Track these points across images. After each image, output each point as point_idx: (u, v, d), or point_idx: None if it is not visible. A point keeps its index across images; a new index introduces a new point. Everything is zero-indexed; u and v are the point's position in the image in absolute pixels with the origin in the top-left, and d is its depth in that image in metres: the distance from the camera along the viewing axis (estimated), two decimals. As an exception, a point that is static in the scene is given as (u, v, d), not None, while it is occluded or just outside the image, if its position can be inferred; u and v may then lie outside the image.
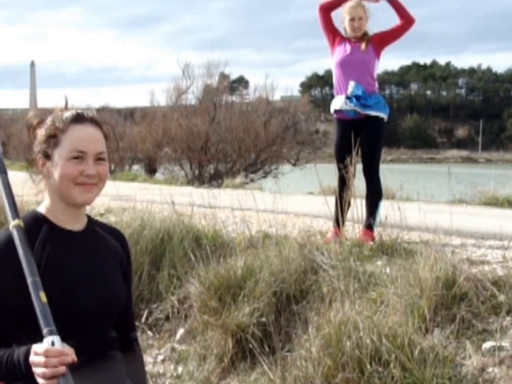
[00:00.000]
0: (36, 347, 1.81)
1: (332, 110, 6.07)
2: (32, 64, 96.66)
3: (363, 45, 5.89)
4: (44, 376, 1.77)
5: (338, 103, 5.94)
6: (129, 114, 36.35)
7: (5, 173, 2.09)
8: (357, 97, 5.79)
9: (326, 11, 6.04)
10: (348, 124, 5.91)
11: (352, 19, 5.93)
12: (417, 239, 5.54)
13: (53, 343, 1.80)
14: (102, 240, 2.28)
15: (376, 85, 6.05)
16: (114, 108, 39.22)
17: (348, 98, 5.83)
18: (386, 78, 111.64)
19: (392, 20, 5.98)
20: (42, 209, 2.18)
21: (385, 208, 5.51)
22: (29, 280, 1.88)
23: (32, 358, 1.81)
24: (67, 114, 2.16)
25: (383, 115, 5.90)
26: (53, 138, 2.11)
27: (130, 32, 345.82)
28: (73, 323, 2.04)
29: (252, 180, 23.10)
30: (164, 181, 19.41)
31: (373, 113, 5.83)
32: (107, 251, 2.28)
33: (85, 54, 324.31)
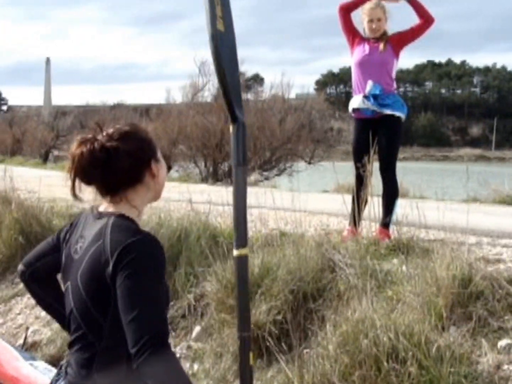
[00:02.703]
0: None
1: (350, 109, 6.10)
2: (48, 61, 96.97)
3: (381, 46, 5.91)
4: None
5: (356, 102, 5.98)
6: (145, 111, 36.49)
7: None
8: (375, 96, 5.82)
9: (346, 12, 6.06)
10: (366, 123, 5.94)
11: (370, 20, 5.96)
12: (432, 237, 5.56)
13: None
14: None
15: (395, 85, 6.06)
16: (129, 105, 39.37)
17: (365, 97, 5.87)
18: (401, 76, 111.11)
19: (411, 19, 5.99)
20: (128, 214, 2.29)
21: (400, 206, 5.53)
22: (244, 334, 1.93)
23: None
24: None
25: (401, 115, 5.91)
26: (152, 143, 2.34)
27: (147, 30, 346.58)
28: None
29: (266, 178, 23.10)
30: (179, 179, 19.48)
31: (390, 112, 5.85)
32: None
33: (102, 51, 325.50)
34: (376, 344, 3.58)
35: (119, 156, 2.22)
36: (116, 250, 2.11)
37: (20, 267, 2.60)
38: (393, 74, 6.03)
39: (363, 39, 6.06)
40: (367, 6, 5.99)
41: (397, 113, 5.89)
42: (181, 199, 7.36)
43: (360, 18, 6.09)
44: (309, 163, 25.15)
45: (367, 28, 6.02)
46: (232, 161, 1.89)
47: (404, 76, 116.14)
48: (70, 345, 2.30)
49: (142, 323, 2.03)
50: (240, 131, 1.88)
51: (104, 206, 2.34)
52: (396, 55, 5.98)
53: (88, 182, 2.26)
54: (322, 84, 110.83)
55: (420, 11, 5.90)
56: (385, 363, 3.51)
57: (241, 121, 1.88)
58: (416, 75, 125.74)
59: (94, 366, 2.14)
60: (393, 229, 5.63)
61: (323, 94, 38.66)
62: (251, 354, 1.95)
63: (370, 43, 6.00)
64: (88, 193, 2.33)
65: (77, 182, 2.25)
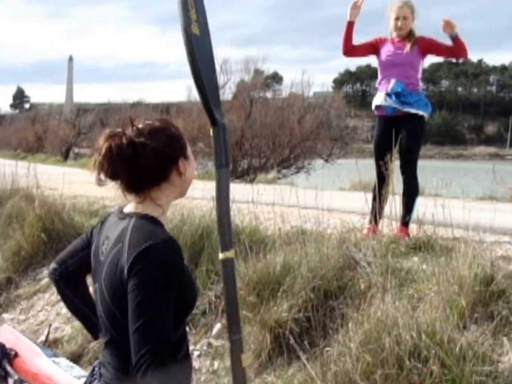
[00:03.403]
0: None
1: (373, 106, 6.11)
2: (70, 59, 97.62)
3: (408, 47, 5.90)
4: None
5: (378, 99, 6.00)
6: (165, 109, 36.59)
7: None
8: (397, 94, 5.82)
9: (350, 50, 6.07)
10: (388, 121, 5.94)
11: (397, 18, 5.94)
12: (451, 236, 5.54)
13: None
14: None
15: (420, 84, 6.03)
16: (149, 103, 39.53)
17: (388, 94, 5.88)
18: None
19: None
20: (152, 214, 2.27)
21: (420, 204, 5.53)
22: (235, 337, 1.96)
23: None
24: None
25: (424, 113, 5.89)
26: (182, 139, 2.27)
27: (168, 28, 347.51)
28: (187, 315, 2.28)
29: (284, 176, 23.14)
30: (198, 176, 19.54)
31: (412, 110, 5.84)
32: None
33: (123, 50, 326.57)
34: (398, 343, 3.58)
35: (146, 152, 2.18)
36: (131, 256, 2.09)
37: (52, 265, 2.58)
38: (419, 73, 5.99)
39: (386, 39, 6.06)
40: (395, 3, 5.97)
41: (420, 112, 5.87)
42: (203, 197, 7.38)
43: (387, 16, 6.07)
44: (327, 161, 25.13)
45: (393, 26, 5.99)
46: (214, 163, 1.91)
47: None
48: (104, 345, 2.31)
49: (143, 335, 2.01)
50: (220, 133, 1.90)
51: (129, 205, 2.32)
52: (423, 57, 5.97)
53: (112, 177, 2.21)
54: (339, 82, 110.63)
55: (460, 48, 5.84)
56: (407, 362, 3.51)
57: (221, 123, 1.90)
58: (432, 74, 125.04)
59: (130, 369, 2.09)
60: (412, 228, 5.64)
61: (341, 92, 38.50)
62: (242, 356, 1.97)
63: (395, 42, 6.00)
64: (115, 189, 2.31)
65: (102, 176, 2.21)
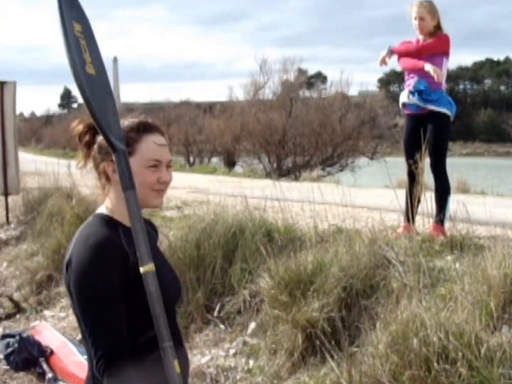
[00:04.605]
0: None
1: (400, 104, 6.13)
2: (115, 60, 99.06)
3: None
4: None
5: (403, 97, 6.03)
6: (208, 108, 36.86)
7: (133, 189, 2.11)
8: (420, 92, 5.82)
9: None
10: (416, 119, 5.93)
11: (415, 18, 5.94)
12: (487, 234, 5.44)
13: None
14: (150, 234, 2.39)
15: (444, 82, 5.95)
16: (193, 102, 39.84)
17: (411, 92, 5.89)
18: (460, 74, 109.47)
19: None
20: (105, 211, 2.27)
21: (455, 202, 5.43)
22: (165, 345, 1.98)
23: None
24: (135, 123, 2.26)
25: (447, 111, 5.85)
26: (127, 147, 2.18)
27: (211, 29, 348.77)
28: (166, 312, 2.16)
29: (329, 174, 23.08)
30: (243, 174, 19.61)
31: (435, 108, 5.82)
32: (156, 243, 2.45)
33: (167, 50, 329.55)
34: (426, 344, 3.51)
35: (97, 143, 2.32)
36: (66, 260, 2.16)
37: None
38: (442, 71, 5.90)
39: (410, 41, 6.08)
40: (413, 3, 5.95)
41: (442, 110, 5.84)
42: (237, 195, 7.38)
43: (408, 15, 6.04)
44: (372, 158, 24.97)
45: (413, 25, 5.98)
46: (121, 186, 2.00)
47: (463, 74, 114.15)
48: None
49: (93, 340, 2.06)
50: (121, 158, 1.99)
51: None
52: (446, 54, 5.92)
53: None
54: (385, 82, 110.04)
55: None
56: (435, 364, 3.44)
57: (121, 149, 1.98)
58: (475, 73, 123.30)
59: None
60: (447, 226, 5.55)
61: (384, 90, 38.32)
62: (175, 362, 1.98)
63: (419, 42, 5.99)
64: None
65: None
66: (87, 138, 2.28)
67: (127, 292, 2.11)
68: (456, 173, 11.53)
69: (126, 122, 2.25)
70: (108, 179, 2.25)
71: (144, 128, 2.24)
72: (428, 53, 5.85)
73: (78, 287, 2.08)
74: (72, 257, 2.11)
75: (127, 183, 2.01)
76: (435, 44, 5.87)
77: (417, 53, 5.88)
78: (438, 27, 5.93)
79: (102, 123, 2.00)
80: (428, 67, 5.73)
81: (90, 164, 2.33)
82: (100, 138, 2.24)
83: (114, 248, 2.12)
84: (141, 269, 1.99)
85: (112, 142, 2.01)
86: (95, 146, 2.26)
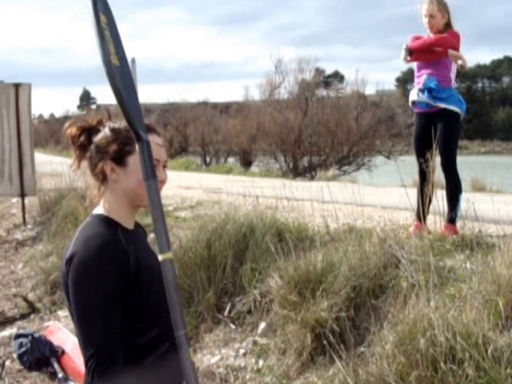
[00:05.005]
0: None
1: (410, 102, 6.07)
2: (133, 61, 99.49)
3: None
4: None
5: (412, 95, 5.97)
6: (225, 108, 36.94)
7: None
8: (429, 90, 5.77)
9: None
10: (426, 118, 5.88)
11: (425, 16, 5.90)
12: (500, 233, 5.38)
13: None
14: (142, 234, 2.44)
15: (453, 80, 5.91)
16: (209, 102, 39.94)
17: (421, 90, 5.84)
18: (479, 72, 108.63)
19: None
20: (103, 212, 2.29)
21: (468, 201, 5.38)
22: (180, 333, 1.97)
23: None
24: None
25: (457, 109, 5.79)
26: (126, 146, 2.23)
27: (228, 29, 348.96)
28: (160, 312, 2.19)
29: (345, 173, 23.01)
30: (259, 174, 19.60)
31: (445, 106, 5.76)
32: (147, 243, 2.44)
33: (184, 51, 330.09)
34: (433, 344, 3.47)
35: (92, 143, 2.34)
36: (66, 259, 2.16)
37: None
38: (452, 69, 5.89)
39: (421, 37, 6.01)
40: (424, 0, 5.90)
41: (452, 107, 5.78)
42: (249, 194, 7.37)
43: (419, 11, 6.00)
44: (388, 157, 24.86)
45: (423, 23, 5.95)
46: (143, 175, 2.02)
47: (481, 72, 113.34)
48: None
49: (86, 341, 2.07)
50: (145, 148, 2.01)
51: None
52: (456, 51, 5.84)
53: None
54: (402, 81, 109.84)
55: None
56: (442, 364, 3.40)
57: (145, 139, 2.01)
58: (493, 71, 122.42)
59: None
60: (459, 225, 5.50)
61: (401, 89, 38.19)
62: (190, 350, 1.99)
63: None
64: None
65: None
66: (82, 139, 2.29)
67: (126, 293, 2.12)
68: (470, 171, 11.46)
69: (123, 123, 2.27)
70: (104, 179, 2.27)
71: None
72: (447, 46, 5.78)
73: (78, 286, 2.09)
74: (73, 257, 2.11)
75: (149, 173, 2.03)
76: (451, 38, 5.81)
77: (434, 45, 5.81)
78: (448, 24, 5.88)
79: (130, 113, 2.00)
80: (452, 52, 5.70)
81: (83, 165, 2.34)
82: (97, 139, 2.27)
83: (116, 249, 2.13)
84: (160, 257, 2.00)
85: (137, 131, 2.02)
86: (92, 147, 2.28)
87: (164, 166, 2.31)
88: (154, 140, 2.25)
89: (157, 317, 2.23)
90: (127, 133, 2.22)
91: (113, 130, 2.27)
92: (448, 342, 3.44)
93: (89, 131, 2.28)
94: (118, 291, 2.10)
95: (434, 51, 5.80)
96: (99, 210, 2.29)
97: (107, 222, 2.22)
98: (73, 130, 2.31)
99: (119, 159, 2.24)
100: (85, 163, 2.34)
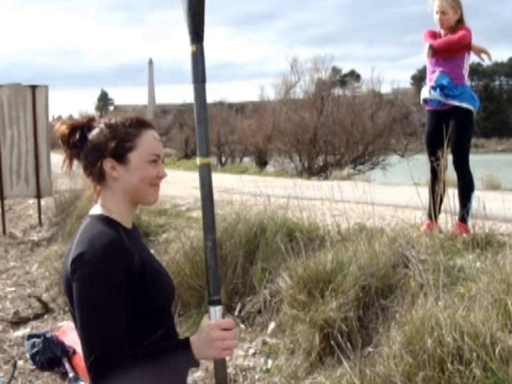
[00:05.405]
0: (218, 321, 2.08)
1: (421, 100, 6.01)
2: (150, 62, 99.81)
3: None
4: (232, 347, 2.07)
5: (424, 92, 5.91)
6: (240, 108, 36.97)
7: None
8: (442, 87, 5.70)
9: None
10: (437, 115, 5.82)
11: (436, 12, 5.83)
12: (511, 231, 5.34)
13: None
14: (139, 235, 2.40)
15: (466, 77, 5.85)
16: (224, 102, 39.99)
17: (433, 87, 5.77)
18: (496, 69, 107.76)
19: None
20: (102, 211, 2.24)
21: (481, 199, 5.33)
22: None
23: (217, 334, 2.04)
24: (133, 119, 2.26)
25: (469, 107, 5.73)
26: (127, 142, 2.18)
27: (244, 29, 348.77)
28: (164, 311, 2.23)
29: (360, 172, 22.93)
30: (274, 174, 19.57)
31: (457, 103, 5.70)
32: (144, 243, 2.41)
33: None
34: (440, 344, 3.44)
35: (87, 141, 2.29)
36: (71, 259, 2.10)
37: None
38: (464, 67, 5.83)
39: (435, 33, 5.95)
40: None
41: (464, 105, 5.71)
42: (261, 194, 7.35)
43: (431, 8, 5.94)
44: (403, 156, 24.73)
45: (434, 19, 5.89)
46: (192, 80, 2.11)
47: (499, 69, 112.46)
48: None
49: (87, 343, 2.01)
50: (203, 51, 2.11)
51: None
52: (468, 49, 5.81)
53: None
54: (418, 79, 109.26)
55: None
56: (449, 365, 3.36)
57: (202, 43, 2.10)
58: (511, 68, 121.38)
59: None
60: (471, 223, 5.45)
61: (416, 87, 37.99)
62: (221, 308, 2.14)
63: (441, 36, 5.88)
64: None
65: None
66: (75, 137, 2.23)
67: (132, 292, 2.09)
68: (485, 169, 11.35)
69: (119, 118, 2.24)
70: (101, 178, 2.22)
71: (142, 123, 2.24)
72: (470, 43, 5.74)
73: (84, 286, 2.04)
74: (79, 257, 2.06)
75: (199, 76, 2.14)
76: (470, 34, 5.76)
77: (459, 44, 5.75)
78: (460, 20, 5.82)
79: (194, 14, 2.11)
80: (477, 46, 5.71)
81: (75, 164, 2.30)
82: (93, 136, 2.21)
83: (121, 249, 2.09)
84: (198, 160, 2.06)
85: (198, 32, 2.14)
86: (88, 145, 2.21)
87: (163, 162, 2.27)
88: (154, 135, 2.24)
89: (163, 316, 2.22)
90: (125, 129, 2.19)
91: (110, 126, 2.21)
92: (455, 342, 3.40)
93: (82, 128, 2.22)
94: (124, 290, 2.06)
95: (457, 49, 5.75)
96: (97, 210, 2.24)
97: (108, 222, 2.18)
98: (63, 129, 2.24)
99: (120, 156, 2.17)
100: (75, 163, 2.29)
